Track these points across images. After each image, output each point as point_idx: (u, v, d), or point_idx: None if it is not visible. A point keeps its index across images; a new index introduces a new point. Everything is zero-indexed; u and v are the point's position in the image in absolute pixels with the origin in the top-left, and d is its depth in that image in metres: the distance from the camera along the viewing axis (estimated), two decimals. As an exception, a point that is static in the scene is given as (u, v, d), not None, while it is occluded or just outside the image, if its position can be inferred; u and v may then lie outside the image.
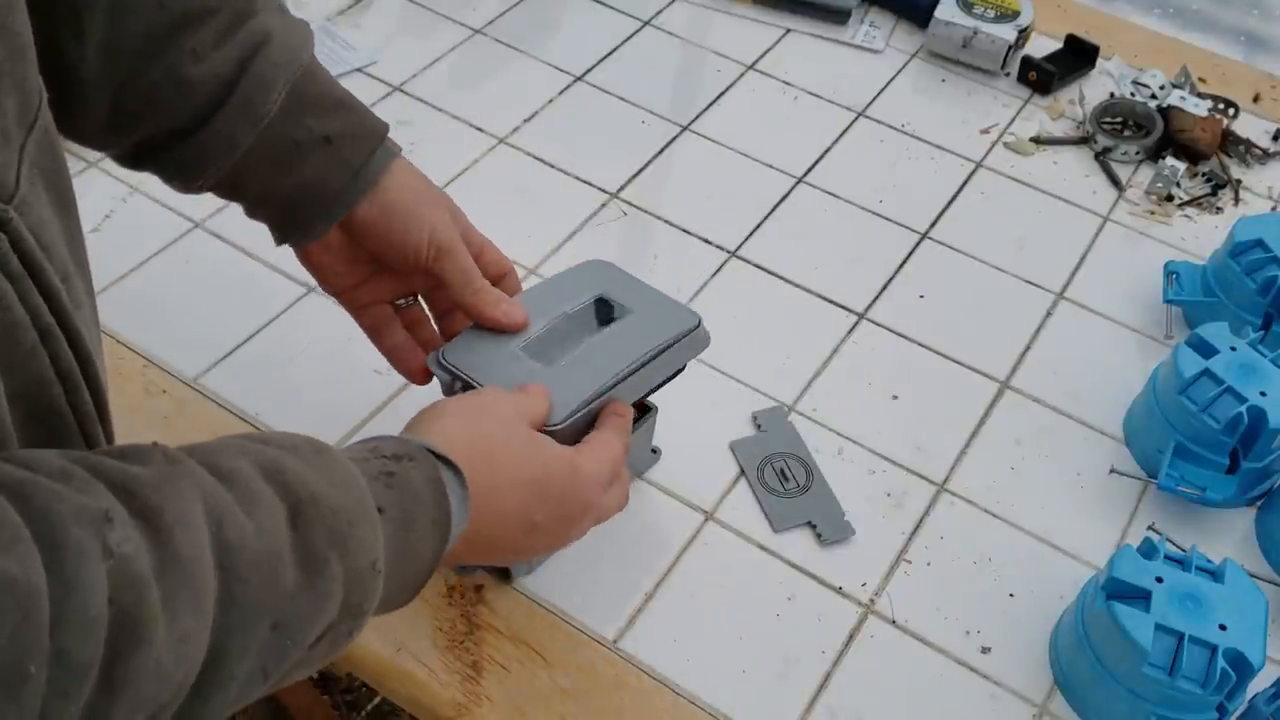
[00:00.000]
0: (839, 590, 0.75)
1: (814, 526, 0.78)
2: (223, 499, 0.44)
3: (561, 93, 1.08)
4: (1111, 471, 0.82)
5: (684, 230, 0.97)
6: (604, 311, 0.71)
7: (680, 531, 0.77)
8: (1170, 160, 1.03)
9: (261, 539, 0.44)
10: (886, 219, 0.99)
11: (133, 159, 0.65)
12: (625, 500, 0.67)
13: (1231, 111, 1.08)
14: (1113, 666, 0.67)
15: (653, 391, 0.70)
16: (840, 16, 1.16)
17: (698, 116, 1.07)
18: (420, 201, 0.68)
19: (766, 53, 1.14)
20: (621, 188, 1.00)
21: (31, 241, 0.44)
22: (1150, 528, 0.79)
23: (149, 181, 0.73)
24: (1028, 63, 1.11)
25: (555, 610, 0.73)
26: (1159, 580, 0.67)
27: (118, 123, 0.61)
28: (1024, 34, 1.11)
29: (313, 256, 0.69)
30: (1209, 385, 0.77)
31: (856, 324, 0.91)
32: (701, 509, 0.79)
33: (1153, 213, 1.01)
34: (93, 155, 0.97)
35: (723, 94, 1.09)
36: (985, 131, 1.07)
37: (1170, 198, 1.02)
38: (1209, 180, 1.04)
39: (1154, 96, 1.08)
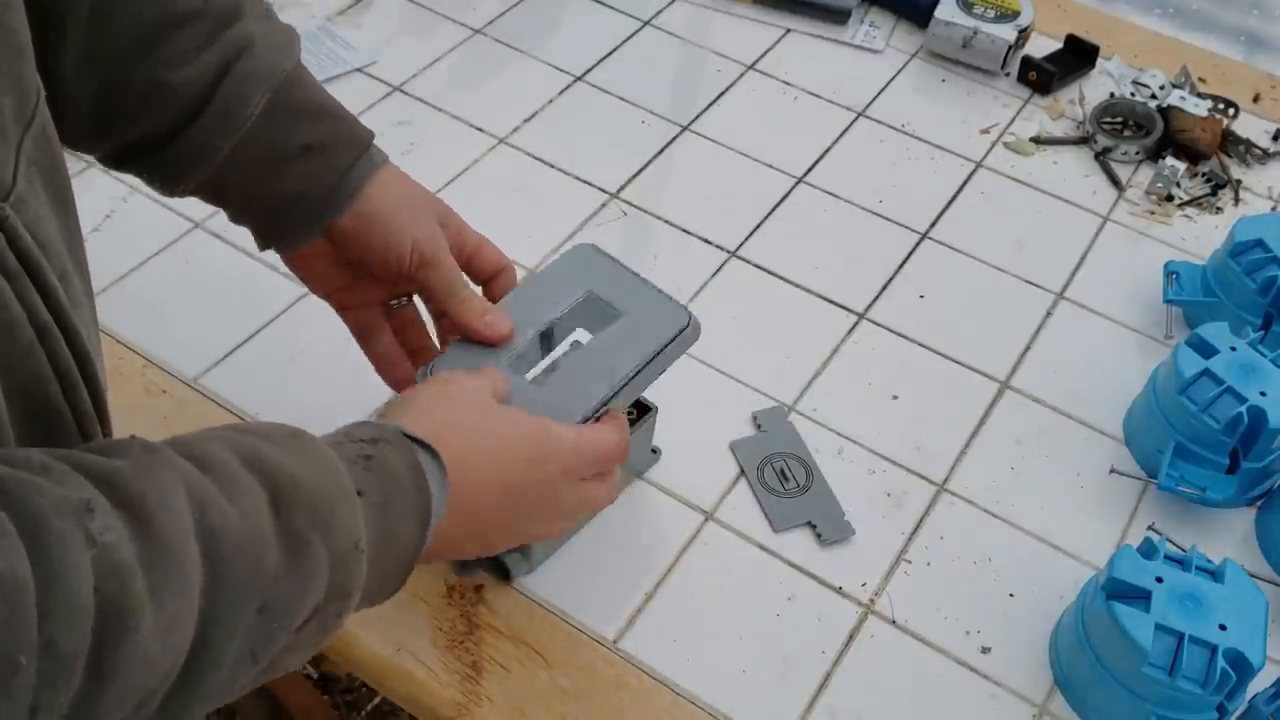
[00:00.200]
0: (839, 590, 0.75)
1: (814, 526, 0.78)
2: (203, 485, 0.44)
3: (561, 93, 1.08)
4: (1111, 471, 0.82)
5: (684, 230, 0.97)
6: (594, 311, 0.70)
7: (680, 531, 0.77)
8: (1170, 160, 1.03)
9: (245, 522, 0.44)
10: (886, 219, 0.99)
11: (116, 161, 0.65)
12: (614, 494, 0.65)
13: (1231, 111, 1.08)
14: (1113, 666, 0.67)
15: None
16: (840, 16, 1.16)
17: (698, 116, 1.07)
18: (404, 210, 0.67)
19: (766, 53, 1.14)
20: (621, 188, 1.00)
21: (28, 239, 0.44)
22: (1150, 528, 0.79)
23: (149, 181, 0.73)
24: (1028, 63, 1.11)
25: (555, 610, 0.73)
26: (1159, 580, 0.67)
27: (99, 126, 0.62)
28: (1024, 34, 1.11)
29: (299, 261, 0.69)
30: (1209, 385, 0.77)
31: (856, 324, 0.91)
32: (701, 509, 0.79)
33: (1153, 213, 1.01)
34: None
35: (723, 94, 1.09)
36: (985, 131, 1.07)
37: (1170, 198, 1.02)
38: (1209, 180, 1.04)
39: (1154, 96, 1.08)
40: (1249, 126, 1.08)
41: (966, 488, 0.81)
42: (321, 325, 0.86)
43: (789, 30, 1.16)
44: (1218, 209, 1.02)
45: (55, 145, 0.50)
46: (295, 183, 0.65)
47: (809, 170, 1.03)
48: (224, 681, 0.44)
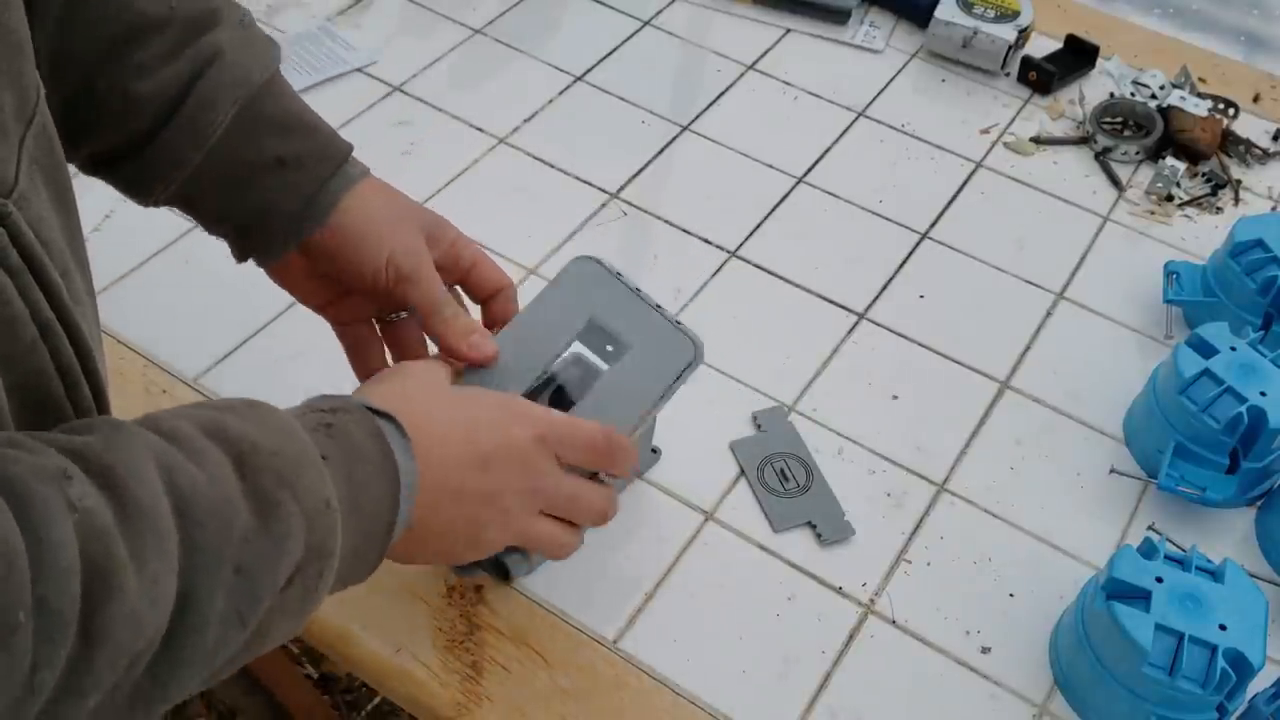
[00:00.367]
0: (839, 590, 0.75)
1: (814, 526, 0.78)
2: (170, 454, 0.45)
3: (561, 93, 1.08)
4: (1111, 471, 0.82)
5: (684, 230, 0.97)
6: (598, 343, 0.67)
7: (680, 531, 0.77)
8: (1170, 160, 1.03)
9: (213, 486, 0.45)
10: (886, 219, 0.99)
11: (91, 170, 0.64)
12: (610, 500, 0.64)
13: (1231, 111, 1.08)
14: (1113, 666, 0.67)
15: None
16: (840, 16, 1.16)
17: (698, 116, 1.07)
18: (381, 224, 0.65)
19: (766, 53, 1.14)
20: (621, 188, 1.00)
21: (30, 236, 0.44)
22: (1150, 528, 0.79)
23: (149, 181, 0.73)
24: (1028, 63, 1.11)
25: (555, 610, 0.73)
26: (1159, 580, 0.67)
27: (70, 134, 0.61)
28: (1024, 34, 1.11)
29: (280, 276, 0.68)
30: (1209, 385, 0.77)
31: (856, 324, 0.91)
32: (701, 509, 0.79)
33: (1153, 213, 1.01)
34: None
35: (723, 94, 1.09)
36: (985, 131, 1.07)
37: (1170, 198, 1.02)
38: (1209, 180, 1.04)
39: (1154, 96, 1.08)
40: (1249, 126, 1.08)
41: (966, 488, 0.81)
42: (321, 325, 0.86)
43: (789, 30, 1.16)
44: (1218, 209, 1.02)
45: (56, 144, 0.50)
46: (267, 196, 0.64)
47: (809, 170, 1.03)
48: (211, 644, 0.45)
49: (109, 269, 0.89)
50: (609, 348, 0.67)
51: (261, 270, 0.69)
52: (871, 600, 0.75)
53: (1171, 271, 0.92)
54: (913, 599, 0.75)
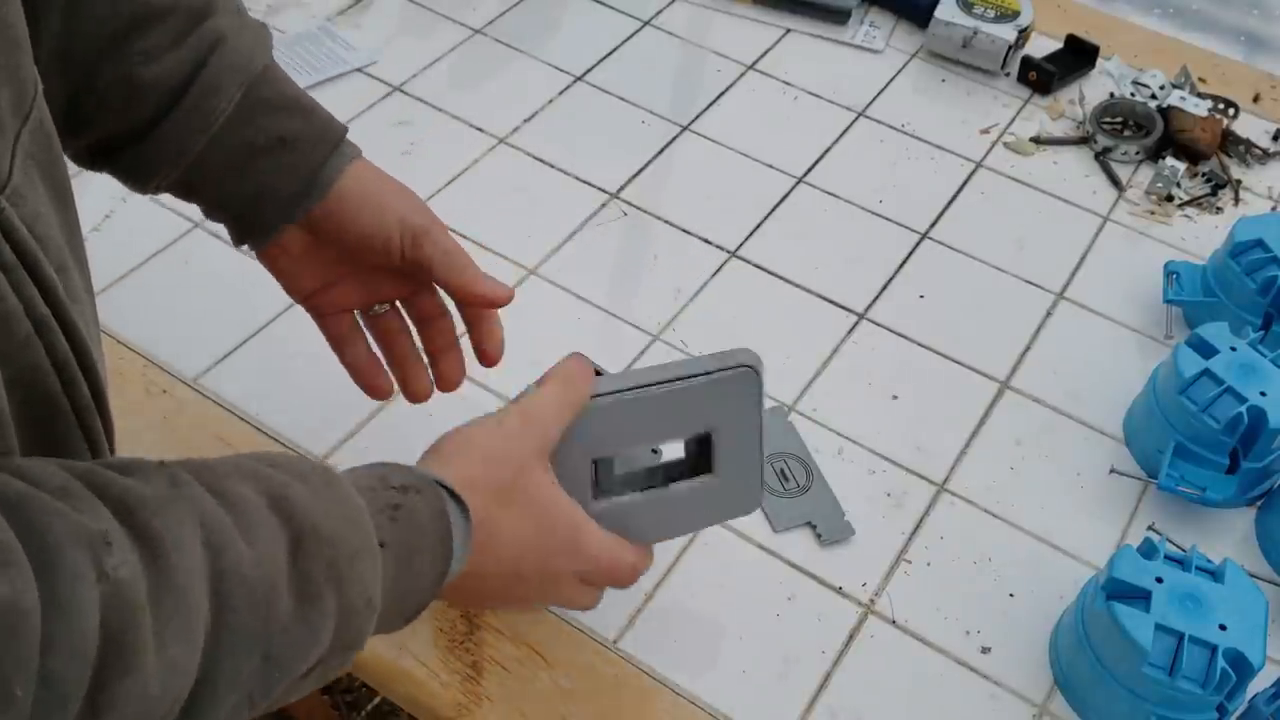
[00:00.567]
0: (839, 590, 0.75)
1: (814, 526, 0.78)
2: (223, 525, 0.43)
3: (561, 93, 1.08)
4: (1111, 471, 0.82)
5: (684, 230, 0.97)
6: (698, 452, 0.65)
7: (680, 531, 0.77)
8: (1170, 160, 1.03)
9: (259, 567, 0.44)
10: (886, 219, 0.99)
11: (89, 159, 0.64)
12: (596, 604, 0.64)
13: (1231, 111, 1.08)
14: (1113, 666, 0.67)
15: None
16: (840, 16, 1.16)
17: (698, 116, 1.07)
18: (385, 192, 0.66)
19: (766, 53, 1.14)
20: (621, 188, 1.00)
21: (25, 232, 0.44)
22: (1150, 528, 0.79)
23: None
24: (1028, 63, 1.11)
25: (555, 610, 0.73)
26: (1159, 580, 0.67)
27: (71, 124, 0.61)
28: (1024, 34, 1.11)
29: (275, 260, 0.68)
30: (1209, 385, 0.77)
31: (856, 324, 0.91)
32: (701, 509, 0.79)
33: (1153, 213, 1.01)
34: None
35: (723, 94, 1.09)
36: (985, 131, 1.07)
37: (1170, 198, 1.02)
38: (1209, 180, 1.04)
39: (1154, 96, 1.08)
40: (1249, 126, 1.08)
41: (966, 488, 0.81)
42: (321, 325, 0.86)
43: (789, 30, 1.16)
44: (1218, 209, 1.02)
45: (54, 141, 0.50)
46: (269, 175, 0.64)
47: (809, 170, 1.03)
48: None
49: (109, 269, 0.89)
50: (702, 461, 0.65)
51: (262, 269, 0.69)
52: (871, 600, 0.75)
53: (1171, 271, 0.92)
54: (913, 599, 0.75)
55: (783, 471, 0.81)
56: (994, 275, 0.95)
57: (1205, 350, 0.79)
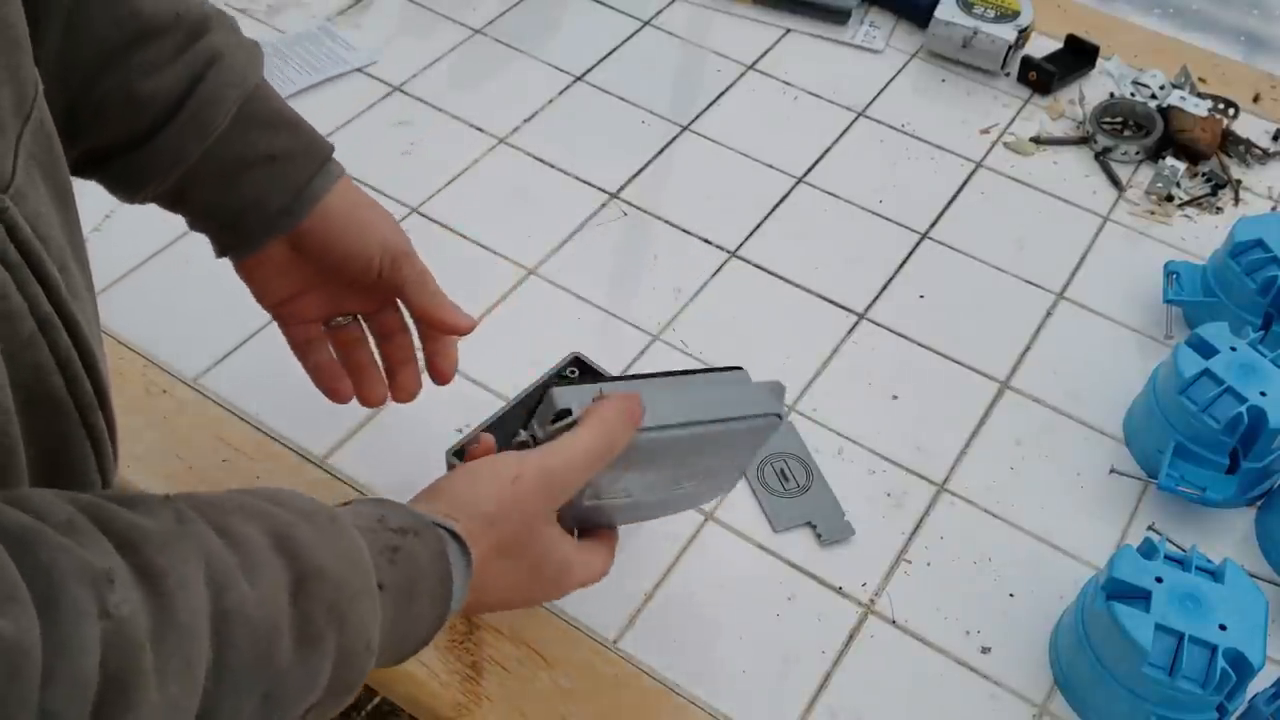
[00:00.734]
0: (839, 590, 0.75)
1: (814, 526, 0.78)
2: (227, 564, 0.43)
3: (561, 93, 1.08)
4: (1111, 471, 0.82)
5: (684, 230, 0.97)
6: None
7: (680, 531, 0.77)
8: (1170, 160, 1.03)
9: (261, 608, 0.44)
10: (886, 219, 0.99)
11: (80, 167, 0.65)
12: (607, 568, 0.66)
13: (1231, 111, 1.08)
14: (1113, 666, 0.67)
15: None
16: (840, 16, 1.16)
17: (698, 116, 1.07)
18: (368, 213, 0.69)
19: (766, 53, 1.14)
20: (621, 188, 1.00)
21: (28, 231, 0.44)
22: (1150, 528, 0.79)
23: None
24: (1028, 63, 1.11)
25: (555, 610, 0.73)
26: (1159, 580, 0.67)
27: (66, 132, 0.61)
28: (1024, 34, 1.11)
29: (252, 270, 0.69)
30: (1209, 385, 0.77)
31: (856, 324, 0.91)
32: (701, 509, 0.78)
33: (1153, 213, 1.01)
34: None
35: (723, 94, 1.09)
36: (985, 131, 1.07)
37: (1170, 198, 1.02)
38: (1209, 180, 1.04)
39: (1154, 96, 1.08)
40: (1249, 126, 1.08)
41: (966, 488, 0.81)
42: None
43: (789, 30, 1.16)
44: (1218, 209, 1.02)
45: (55, 141, 0.50)
46: (257, 189, 0.66)
47: (809, 170, 1.03)
48: None
49: (109, 269, 0.89)
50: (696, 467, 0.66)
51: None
52: (871, 600, 0.75)
53: (1171, 271, 0.92)
54: (913, 599, 0.75)
55: (783, 471, 0.81)
56: (994, 275, 0.95)
57: (1205, 350, 0.79)
